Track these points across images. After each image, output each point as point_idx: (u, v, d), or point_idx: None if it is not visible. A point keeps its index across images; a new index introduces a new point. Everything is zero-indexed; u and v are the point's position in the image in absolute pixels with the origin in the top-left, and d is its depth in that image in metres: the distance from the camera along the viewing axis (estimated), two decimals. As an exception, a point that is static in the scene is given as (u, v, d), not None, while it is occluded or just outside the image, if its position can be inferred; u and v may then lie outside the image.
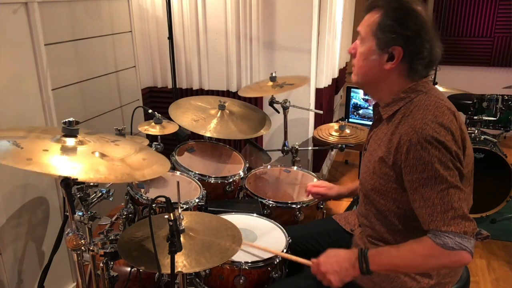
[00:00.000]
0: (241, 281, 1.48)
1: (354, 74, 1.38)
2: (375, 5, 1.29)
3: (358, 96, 4.03)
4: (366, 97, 3.67)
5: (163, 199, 1.20)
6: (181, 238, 1.25)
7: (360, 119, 4.02)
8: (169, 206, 1.18)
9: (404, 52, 1.24)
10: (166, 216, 1.19)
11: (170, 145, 2.24)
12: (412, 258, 1.22)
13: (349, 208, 2.80)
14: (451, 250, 1.15)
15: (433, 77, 3.28)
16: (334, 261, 1.32)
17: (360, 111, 4.04)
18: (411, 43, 1.24)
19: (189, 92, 3.08)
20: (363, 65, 1.32)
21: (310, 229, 1.70)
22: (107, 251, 1.35)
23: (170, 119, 2.15)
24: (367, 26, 1.29)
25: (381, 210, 1.36)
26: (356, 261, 1.27)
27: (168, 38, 2.58)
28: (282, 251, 1.56)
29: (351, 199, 2.80)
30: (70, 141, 1.21)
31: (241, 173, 2.12)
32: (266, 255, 1.52)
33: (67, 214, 1.28)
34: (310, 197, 1.93)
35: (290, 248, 1.59)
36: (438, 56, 1.28)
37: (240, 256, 1.47)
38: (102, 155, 1.21)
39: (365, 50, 1.30)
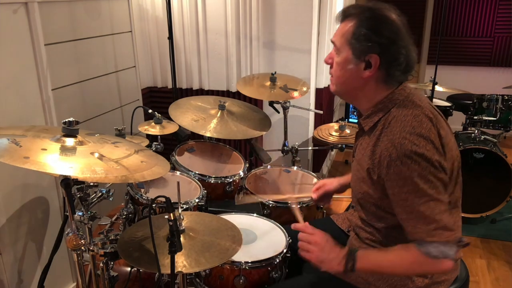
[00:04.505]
0: (241, 281, 1.49)
1: (333, 84, 1.38)
2: (348, 14, 1.29)
3: (358, 96, 4.02)
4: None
5: (163, 199, 1.20)
6: (181, 238, 1.25)
7: (360, 119, 4.02)
8: (169, 206, 1.19)
9: (381, 59, 1.24)
10: (166, 216, 1.19)
11: (170, 145, 2.24)
12: (398, 263, 1.25)
13: (348, 208, 2.80)
14: (435, 259, 1.19)
15: (433, 77, 3.28)
16: (328, 245, 1.33)
17: (360, 111, 4.04)
18: (387, 50, 1.24)
19: (189, 92, 3.08)
20: (341, 75, 1.32)
21: None
22: (107, 251, 1.35)
23: (170, 119, 2.15)
24: (341, 36, 1.29)
25: (372, 216, 1.39)
26: (344, 259, 1.28)
27: (168, 38, 2.57)
28: (282, 251, 1.56)
29: (351, 200, 2.80)
30: (69, 141, 1.21)
31: (241, 173, 2.12)
32: (266, 255, 1.52)
33: (67, 214, 1.29)
34: (310, 198, 1.92)
35: (289, 247, 1.59)
36: (414, 61, 1.29)
37: (240, 256, 1.47)
38: (102, 156, 1.21)
39: (342, 59, 1.30)
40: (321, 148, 2.77)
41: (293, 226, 1.44)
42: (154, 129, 2.08)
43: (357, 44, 1.25)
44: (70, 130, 1.23)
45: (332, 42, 1.33)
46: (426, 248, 1.19)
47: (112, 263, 1.41)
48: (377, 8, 1.26)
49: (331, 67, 1.36)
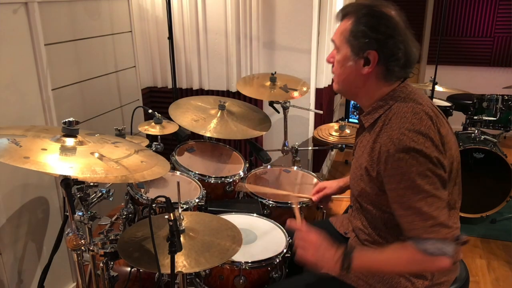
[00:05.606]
0: (241, 281, 1.49)
1: (335, 83, 1.40)
2: (346, 13, 1.31)
3: (358, 96, 4.02)
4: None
5: (163, 199, 1.20)
6: (181, 238, 1.25)
7: (360, 119, 4.01)
8: (169, 206, 1.19)
9: (379, 55, 1.25)
10: (166, 216, 1.19)
11: (170, 145, 2.24)
12: (395, 261, 1.24)
13: (347, 210, 2.80)
14: (432, 256, 1.18)
15: (433, 77, 3.28)
16: (324, 245, 1.30)
17: (360, 111, 4.04)
18: (384, 46, 1.25)
19: (189, 92, 3.08)
20: (341, 72, 1.34)
21: None
22: (107, 251, 1.35)
23: (170, 119, 2.15)
24: (340, 34, 1.31)
25: (371, 214, 1.39)
26: (340, 258, 1.27)
27: (168, 38, 2.58)
28: (282, 251, 1.56)
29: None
30: (69, 141, 1.21)
31: (241, 173, 2.12)
32: (266, 255, 1.52)
33: (67, 214, 1.29)
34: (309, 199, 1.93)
35: (289, 248, 1.59)
36: (414, 56, 1.29)
37: (240, 256, 1.47)
38: (102, 156, 1.21)
39: (341, 57, 1.32)
40: (321, 148, 2.77)
41: (288, 222, 1.42)
42: (154, 129, 2.08)
43: (355, 41, 1.27)
44: (70, 130, 1.23)
45: (332, 41, 1.35)
46: (423, 245, 1.18)
47: (112, 263, 1.41)
48: (374, 5, 1.27)
49: (333, 66, 1.37)
